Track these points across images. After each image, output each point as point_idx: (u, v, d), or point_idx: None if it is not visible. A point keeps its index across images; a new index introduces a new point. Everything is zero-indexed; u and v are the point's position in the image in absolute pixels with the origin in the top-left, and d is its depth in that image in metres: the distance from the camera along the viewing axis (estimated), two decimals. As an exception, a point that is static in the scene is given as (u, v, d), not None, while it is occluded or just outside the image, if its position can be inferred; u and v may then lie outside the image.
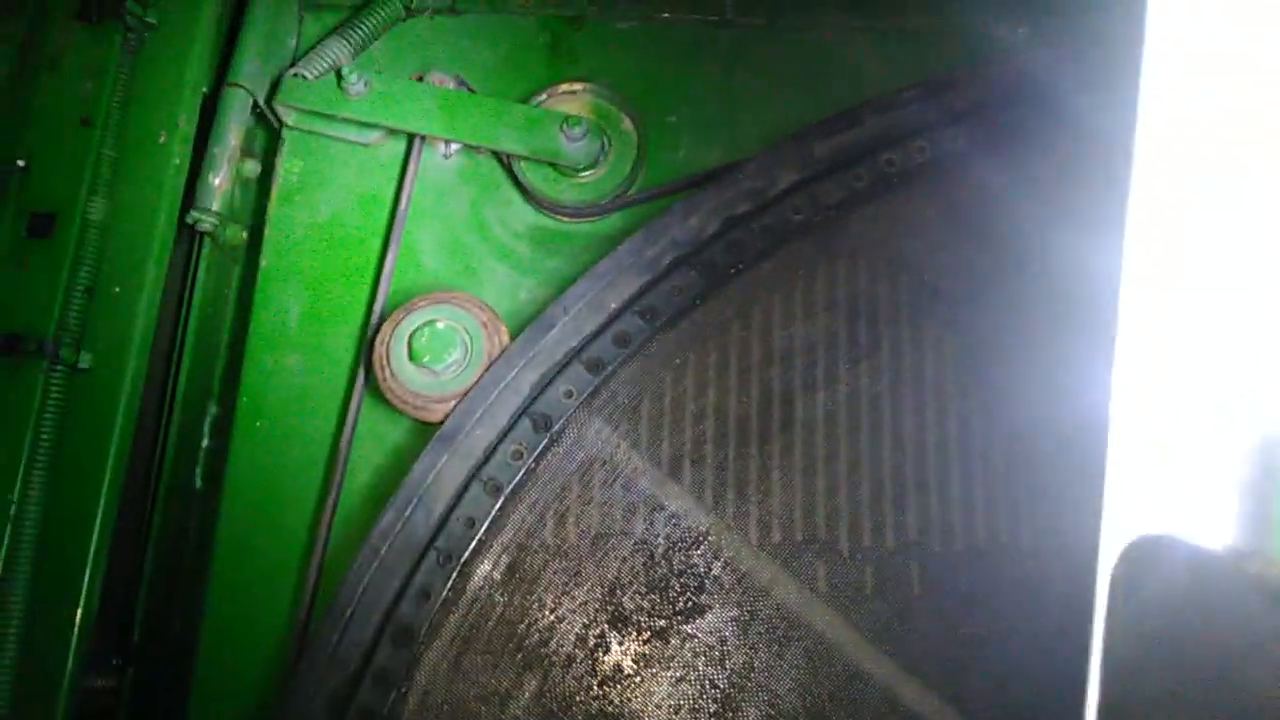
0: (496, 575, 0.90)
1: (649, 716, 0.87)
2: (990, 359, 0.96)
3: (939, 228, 0.99)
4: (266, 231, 1.02)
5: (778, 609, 0.89)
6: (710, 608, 0.89)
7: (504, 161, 1.03)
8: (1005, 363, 0.96)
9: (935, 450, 0.93)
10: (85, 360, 0.79)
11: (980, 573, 0.90)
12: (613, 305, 0.94)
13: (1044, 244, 0.99)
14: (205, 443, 1.05)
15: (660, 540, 0.90)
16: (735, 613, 0.89)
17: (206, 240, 1.04)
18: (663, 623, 0.89)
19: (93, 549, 0.78)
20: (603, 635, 0.89)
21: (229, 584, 0.94)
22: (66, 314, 0.79)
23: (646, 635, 0.88)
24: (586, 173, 1.03)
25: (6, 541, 0.75)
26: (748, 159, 0.97)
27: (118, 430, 0.79)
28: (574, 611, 0.89)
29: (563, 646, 0.88)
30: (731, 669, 0.87)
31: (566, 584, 0.90)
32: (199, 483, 1.05)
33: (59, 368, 0.77)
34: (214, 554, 0.94)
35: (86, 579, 0.78)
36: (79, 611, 0.77)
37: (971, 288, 0.98)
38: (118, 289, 0.82)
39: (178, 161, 0.89)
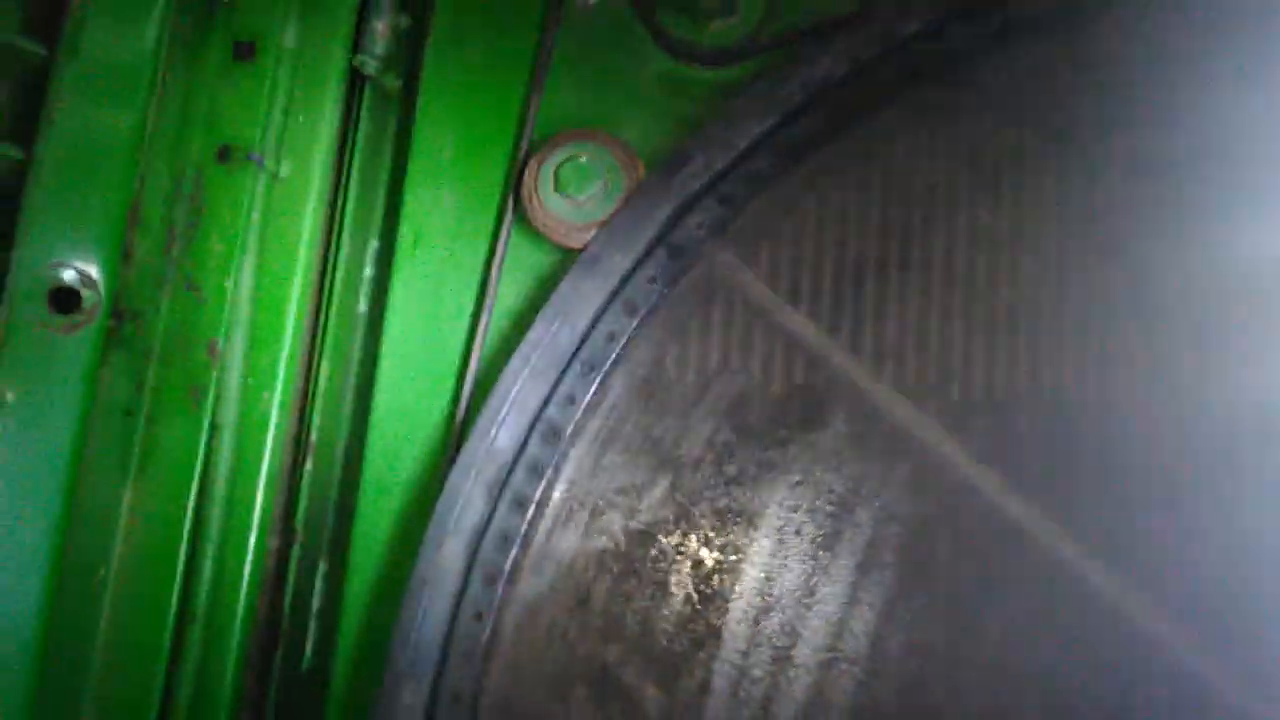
0: (634, 385, 0.99)
1: (770, 513, 0.96)
2: (1115, 207, 1.00)
3: (1068, 75, 1.02)
4: (422, 78, 1.11)
5: (890, 427, 0.96)
6: (829, 423, 0.97)
7: (640, 9, 1.09)
8: (1131, 211, 1.00)
9: (1052, 298, 0.98)
10: (284, 170, 0.90)
11: (1090, 419, 0.95)
12: (742, 144, 1.01)
13: (1177, 91, 1.02)
14: (368, 271, 1.15)
15: (782, 361, 0.98)
16: (848, 429, 0.96)
17: (369, 84, 1.13)
18: (784, 433, 0.97)
19: (289, 333, 0.91)
20: (728, 443, 0.98)
21: (392, 395, 1.05)
22: (268, 129, 0.89)
23: (768, 443, 0.97)
24: (718, 20, 1.08)
25: (225, 322, 0.87)
26: (877, 4, 1.01)
27: (307, 233, 0.91)
28: (702, 420, 0.98)
29: (692, 450, 0.98)
30: (847, 475, 0.96)
31: (696, 395, 0.99)
32: (363, 307, 1.15)
33: (263, 174, 0.88)
34: (377, 370, 1.06)
35: (284, 360, 0.90)
36: (279, 381, 0.89)
37: (1099, 135, 1.01)
38: (303, 115, 0.92)
39: (351, 2, 0.98)
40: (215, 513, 0.87)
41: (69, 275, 0.75)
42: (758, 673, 0.92)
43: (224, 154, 0.87)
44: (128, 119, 0.77)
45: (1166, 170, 1.02)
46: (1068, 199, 1.00)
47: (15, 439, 0.70)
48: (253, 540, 0.91)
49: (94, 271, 0.76)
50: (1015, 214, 0.99)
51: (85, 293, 0.75)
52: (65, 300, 0.75)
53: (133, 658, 0.86)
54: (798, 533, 0.95)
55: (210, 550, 0.86)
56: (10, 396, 0.70)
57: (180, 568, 0.84)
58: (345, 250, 1.13)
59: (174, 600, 0.86)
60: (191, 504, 0.84)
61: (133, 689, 0.86)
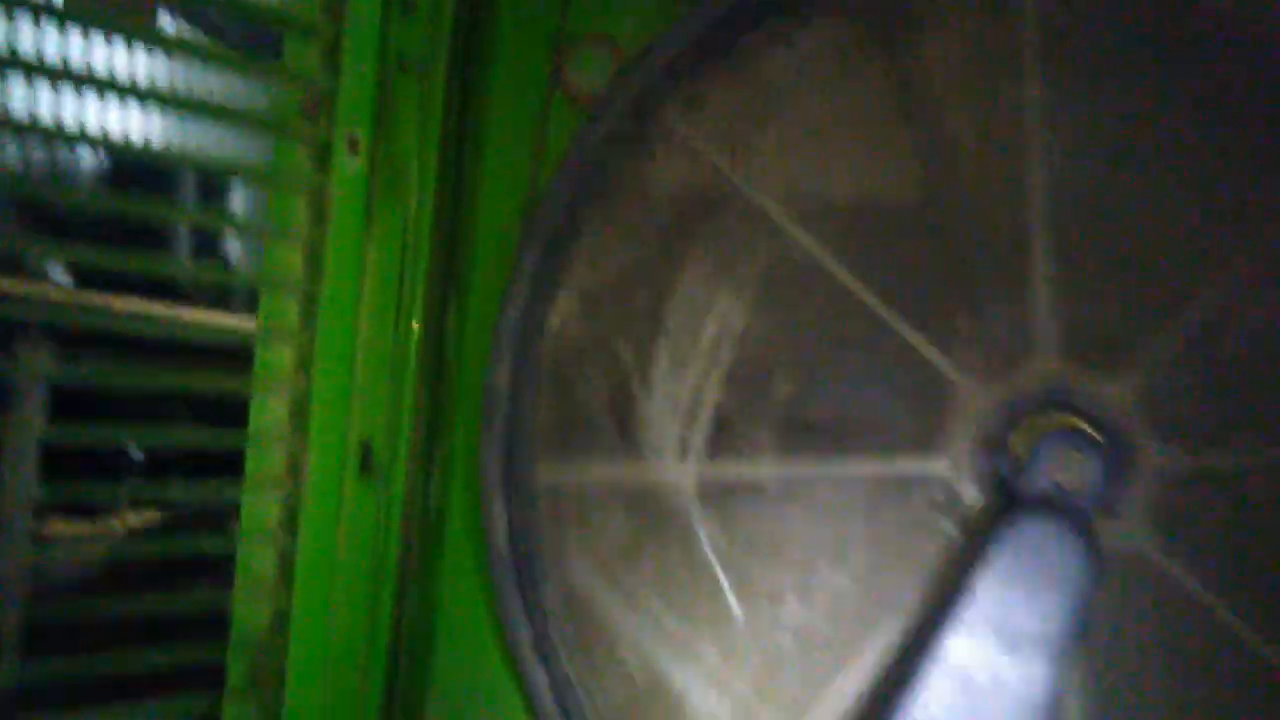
0: (621, 195, 1.76)
1: (691, 261, 1.74)
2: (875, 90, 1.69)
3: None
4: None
5: (761, 216, 1.72)
6: (727, 214, 1.73)
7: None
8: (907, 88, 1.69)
9: (864, 142, 1.70)
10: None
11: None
12: (683, 42, 1.72)
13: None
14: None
15: (700, 174, 1.74)
16: (737, 216, 1.72)
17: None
18: (700, 221, 1.74)
19: (432, 159, 1.72)
20: (668, 224, 1.75)
21: (491, 201, 1.85)
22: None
23: (690, 226, 1.75)
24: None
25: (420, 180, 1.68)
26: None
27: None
28: (656, 215, 1.76)
29: (649, 230, 1.76)
30: (736, 239, 1.72)
31: (651, 201, 1.76)
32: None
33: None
34: (477, 193, 1.84)
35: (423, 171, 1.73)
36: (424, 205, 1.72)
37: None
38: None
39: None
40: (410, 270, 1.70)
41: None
42: (683, 341, 1.73)
43: None
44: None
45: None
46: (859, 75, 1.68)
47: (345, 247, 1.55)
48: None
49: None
50: (837, 86, 1.69)
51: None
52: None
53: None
54: (706, 268, 1.74)
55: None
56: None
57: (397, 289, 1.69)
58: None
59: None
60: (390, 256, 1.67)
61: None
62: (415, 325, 1.68)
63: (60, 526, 3.72)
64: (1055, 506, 1.50)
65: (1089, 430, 1.55)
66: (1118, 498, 1.59)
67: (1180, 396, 1.59)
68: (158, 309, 4.06)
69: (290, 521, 1.47)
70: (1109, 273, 1.61)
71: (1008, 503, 1.55)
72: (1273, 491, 1.57)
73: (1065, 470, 1.52)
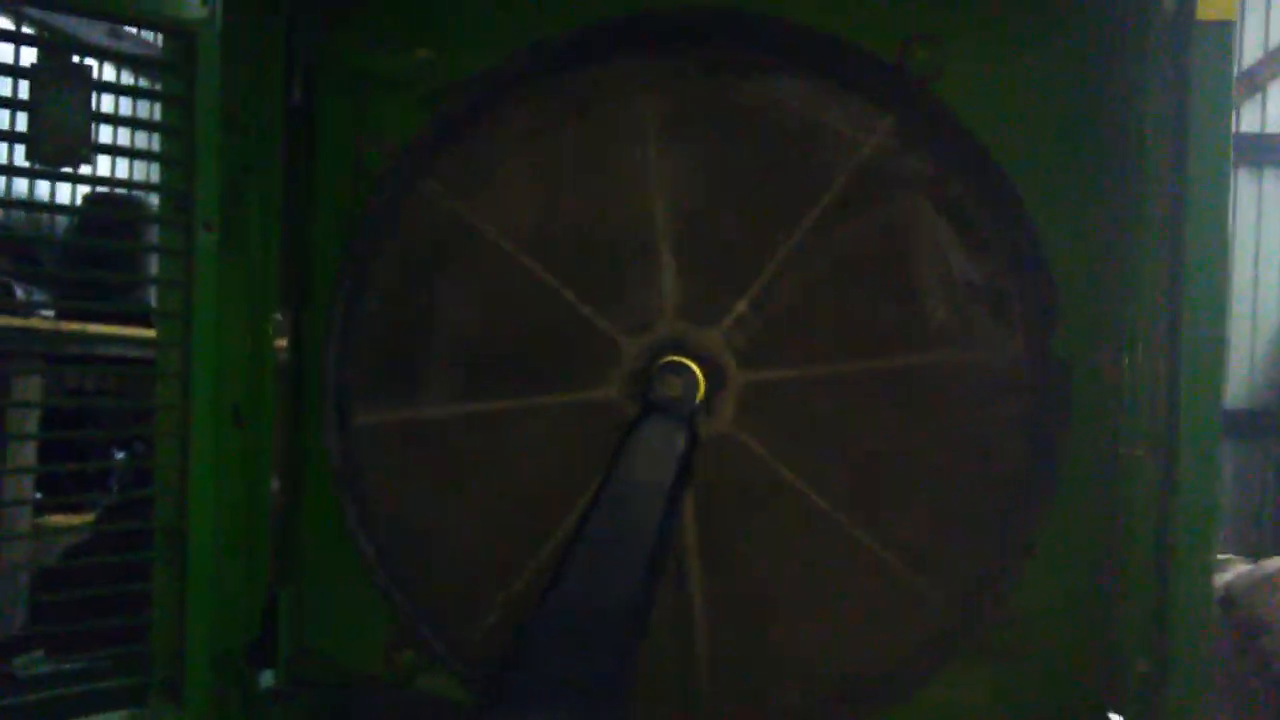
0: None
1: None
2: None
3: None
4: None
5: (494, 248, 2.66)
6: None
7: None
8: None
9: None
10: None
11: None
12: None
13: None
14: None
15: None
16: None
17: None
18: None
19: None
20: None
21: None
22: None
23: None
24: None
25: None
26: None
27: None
28: None
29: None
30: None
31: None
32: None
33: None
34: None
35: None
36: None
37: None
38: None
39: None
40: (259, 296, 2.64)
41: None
42: (443, 326, 2.68)
43: None
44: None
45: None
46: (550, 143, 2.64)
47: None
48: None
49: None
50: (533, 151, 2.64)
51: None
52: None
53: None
54: (452, 276, 2.68)
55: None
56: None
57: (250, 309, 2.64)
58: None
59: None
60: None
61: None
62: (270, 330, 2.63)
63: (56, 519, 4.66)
64: (666, 409, 2.46)
65: (687, 362, 2.52)
66: (716, 403, 2.56)
67: (750, 336, 2.56)
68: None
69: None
70: (707, 265, 2.58)
71: (642, 411, 2.50)
72: (804, 394, 2.55)
73: (672, 388, 2.48)
